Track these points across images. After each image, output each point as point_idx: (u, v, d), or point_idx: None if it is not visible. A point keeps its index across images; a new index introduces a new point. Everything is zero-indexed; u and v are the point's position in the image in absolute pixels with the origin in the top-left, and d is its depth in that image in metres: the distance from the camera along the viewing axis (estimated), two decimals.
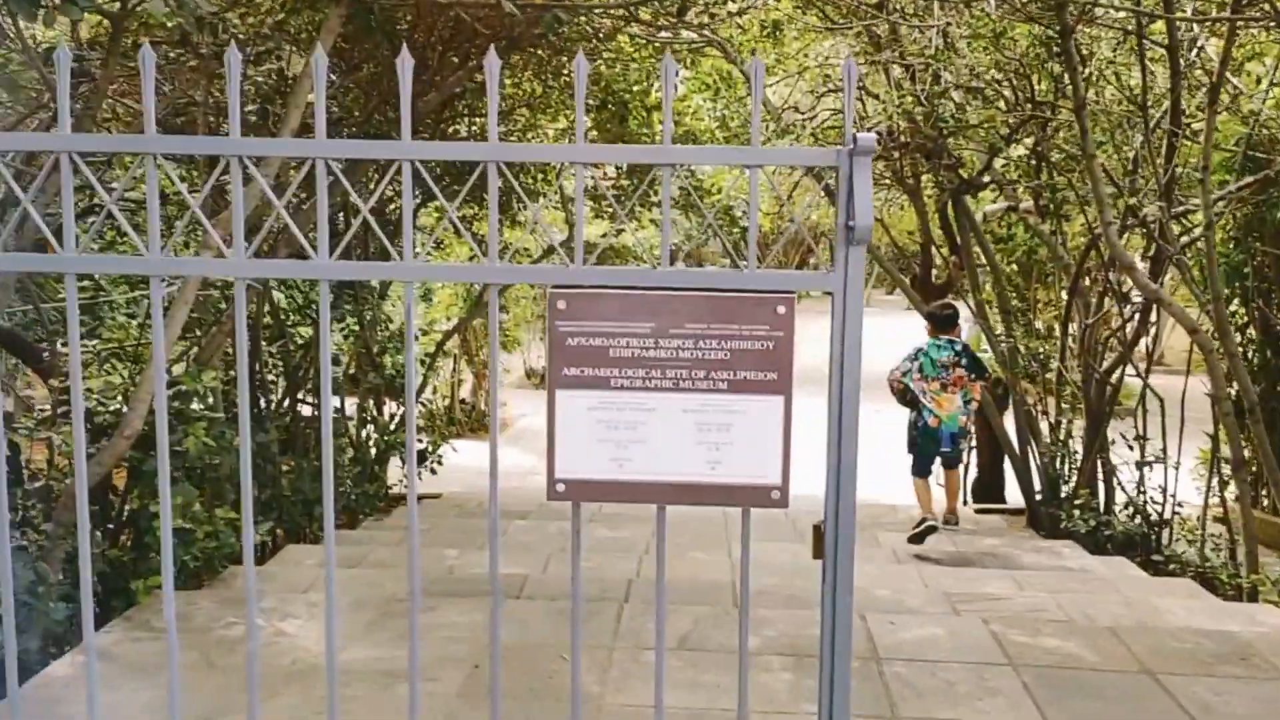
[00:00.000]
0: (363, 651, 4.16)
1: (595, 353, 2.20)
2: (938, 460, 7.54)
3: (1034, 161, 8.50)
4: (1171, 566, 6.51)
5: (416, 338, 9.34)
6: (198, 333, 5.61)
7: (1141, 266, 6.80)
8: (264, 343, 6.86)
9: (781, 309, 2.17)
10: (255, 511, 2.16)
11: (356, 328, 7.80)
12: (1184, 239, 6.80)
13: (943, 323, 7.47)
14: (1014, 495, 9.58)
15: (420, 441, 8.61)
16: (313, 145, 2.19)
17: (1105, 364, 7.57)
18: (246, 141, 2.23)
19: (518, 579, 5.31)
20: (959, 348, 7.36)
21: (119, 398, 4.28)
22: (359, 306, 7.90)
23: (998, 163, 8.76)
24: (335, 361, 7.28)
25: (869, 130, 9.27)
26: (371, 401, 8.32)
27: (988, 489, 10.23)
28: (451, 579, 5.36)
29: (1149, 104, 6.46)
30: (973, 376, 7.32)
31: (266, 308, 6.86)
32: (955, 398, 7.30)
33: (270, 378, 6.99)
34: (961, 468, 10.07)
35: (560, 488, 2.25)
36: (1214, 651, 4.28)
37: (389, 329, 8.46)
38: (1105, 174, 6.31)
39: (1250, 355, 7.76)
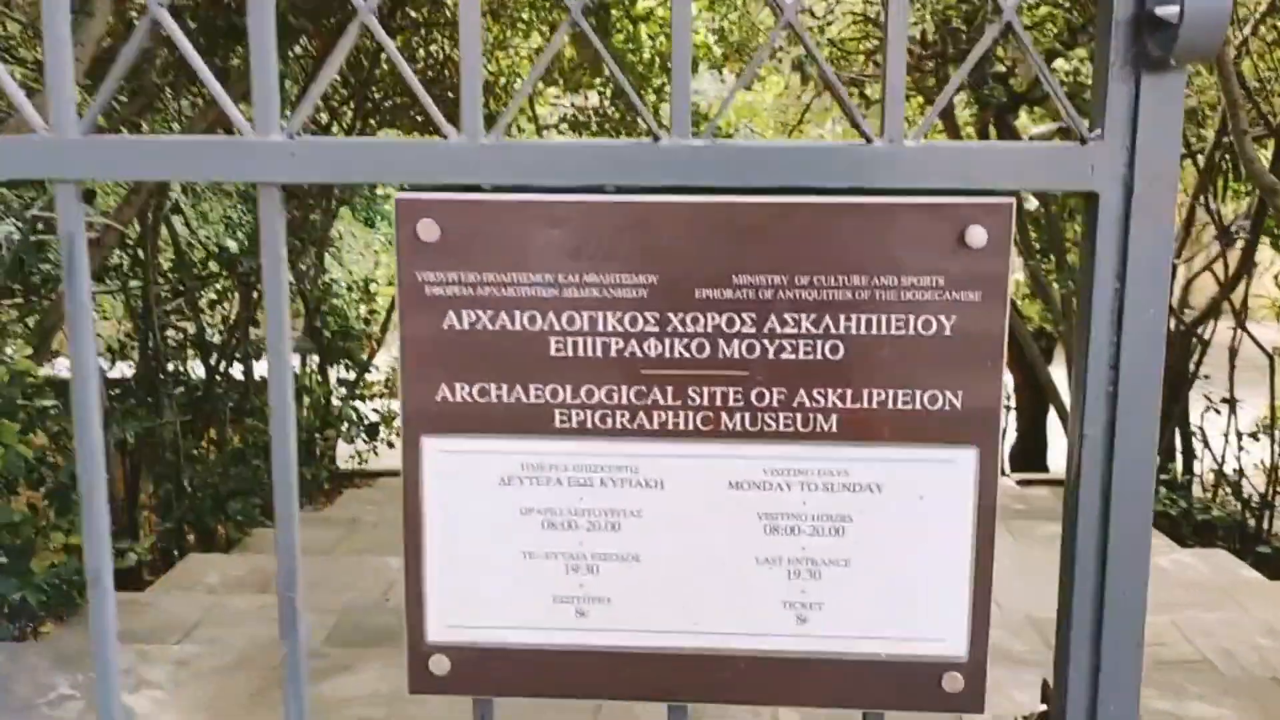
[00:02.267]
0: None
1: (515, 347, 0.89)
2: None
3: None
4: None
5: (375, 292, 8.00)
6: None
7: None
8: (164, 296, 5.54)
9: (977, 235, 0.87)
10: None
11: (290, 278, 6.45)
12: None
13: None
14: (1056, 461, 8.48)
15: (374, 413, 7.29)
16: None
17: (1191, 314, 6.27)
18: None
19: None
20: None
21: None
22: (294, 253, 6.55)
23: (1062, 67, 7.31)
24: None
25: None
26: (311, 366, 6.98)
27: (1029, 456, 9.03)
28: (385, 611, 4.08)
29: None
30: None
31: (167, 248, 5.52)
32: None
33: (173, 343, 5.65)
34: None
35: (440, 666, 0.96)
36: None
37: (328, 277, 7.09)
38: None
39: None
